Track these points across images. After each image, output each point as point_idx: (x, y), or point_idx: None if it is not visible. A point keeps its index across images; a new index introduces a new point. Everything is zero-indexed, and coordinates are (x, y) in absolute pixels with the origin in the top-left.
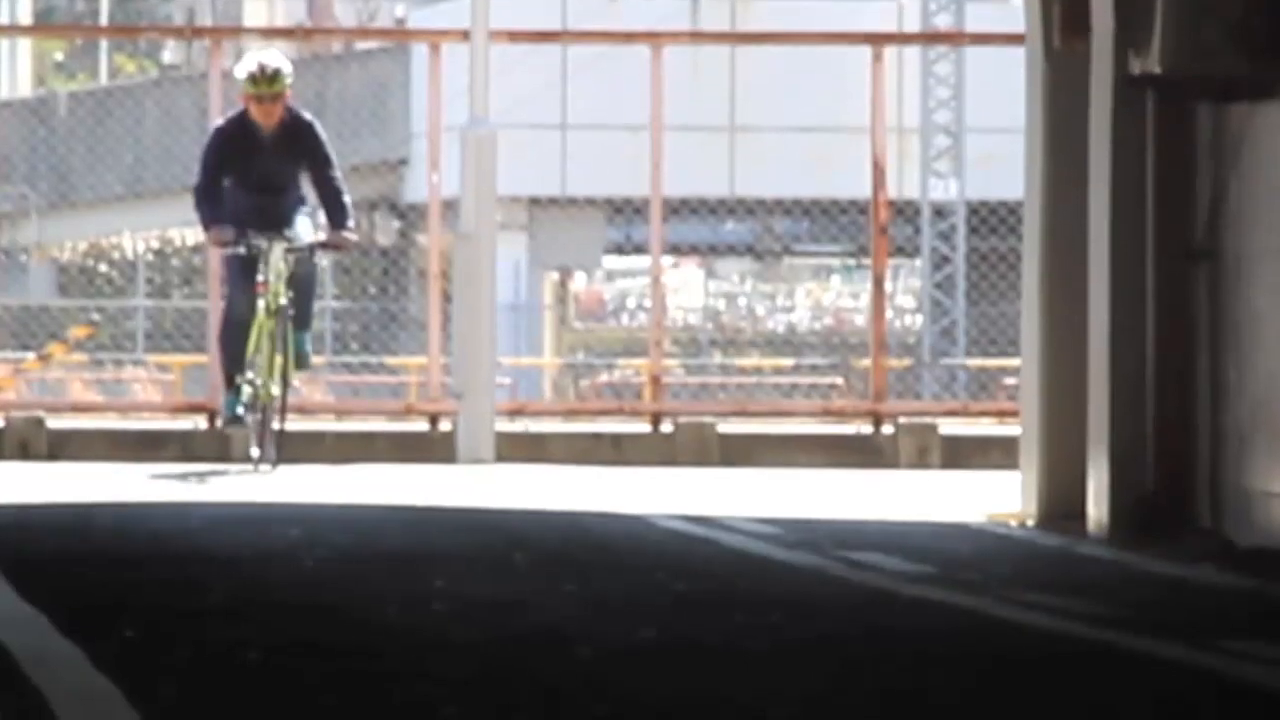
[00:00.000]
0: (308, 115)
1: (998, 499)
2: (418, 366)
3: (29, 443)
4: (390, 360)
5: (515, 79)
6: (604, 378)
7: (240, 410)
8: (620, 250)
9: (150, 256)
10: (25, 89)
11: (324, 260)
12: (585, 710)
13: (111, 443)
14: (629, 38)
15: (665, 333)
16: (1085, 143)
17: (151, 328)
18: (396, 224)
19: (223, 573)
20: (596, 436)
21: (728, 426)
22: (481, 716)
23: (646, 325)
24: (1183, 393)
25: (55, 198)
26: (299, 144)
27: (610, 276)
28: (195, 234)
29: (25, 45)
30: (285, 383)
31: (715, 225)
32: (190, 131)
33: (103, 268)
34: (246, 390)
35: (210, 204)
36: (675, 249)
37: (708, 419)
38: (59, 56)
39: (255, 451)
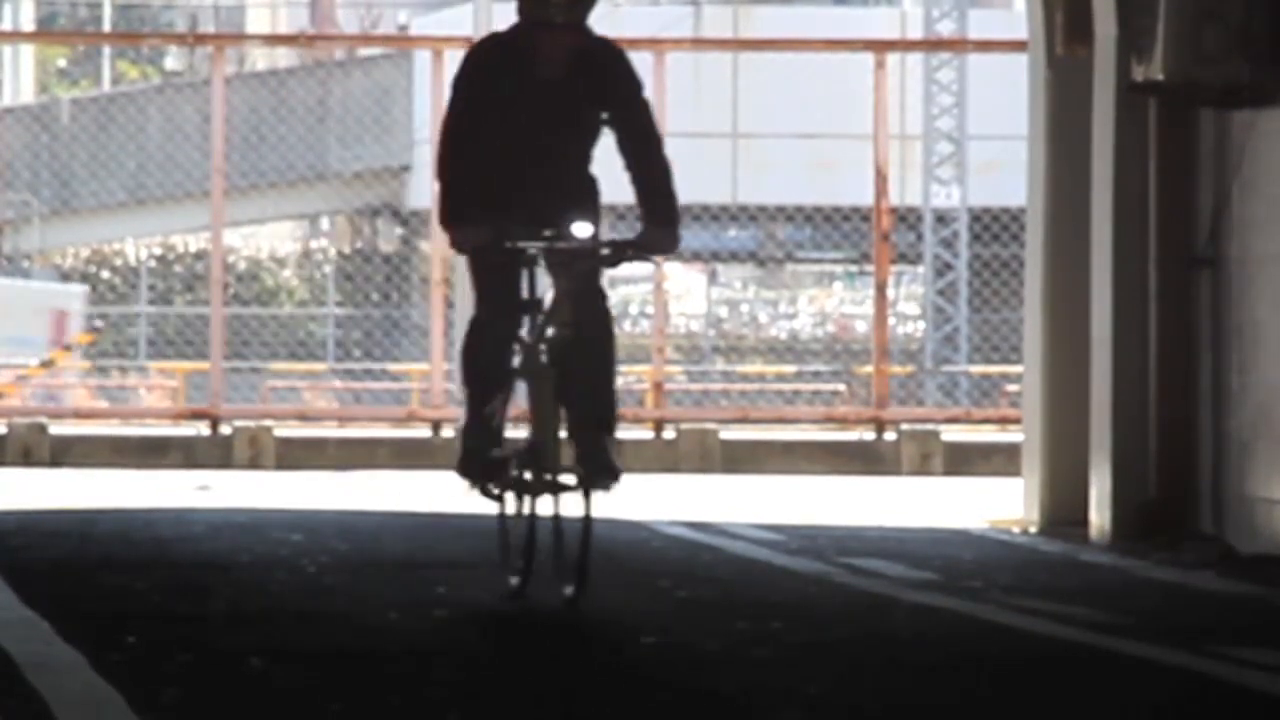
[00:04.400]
0: (612, 43)
1: (1000, 505)
2: (420, 373)
3: (31, 449)
4: (393, 367)
5: None
6: None
7: (492, 454)
8: None
9: (152, 263)
10: (28, 95)
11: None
12: (587, 715)
13: (114, 449)
14: (631, 44)
15: (668, 339)
16: (1088, 149)
17: (154, 334)
18: (399, 231)
19: (225, 578)
20: None
21: (730, 433)
22: None
23: (649, 332)
24: (1185, 400)
25: (58, 204)
26: (598, 88)
27: (612, 283)
28: (197, 240)
29: (28, 52)
30: (592, 478)
31: (718, 232)
32: (193, 138)
33: (105, 274)
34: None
35: (457, 179)
36: (678, 255)
37: (710, 425)
38: (61, 63)
39: (515, 579)
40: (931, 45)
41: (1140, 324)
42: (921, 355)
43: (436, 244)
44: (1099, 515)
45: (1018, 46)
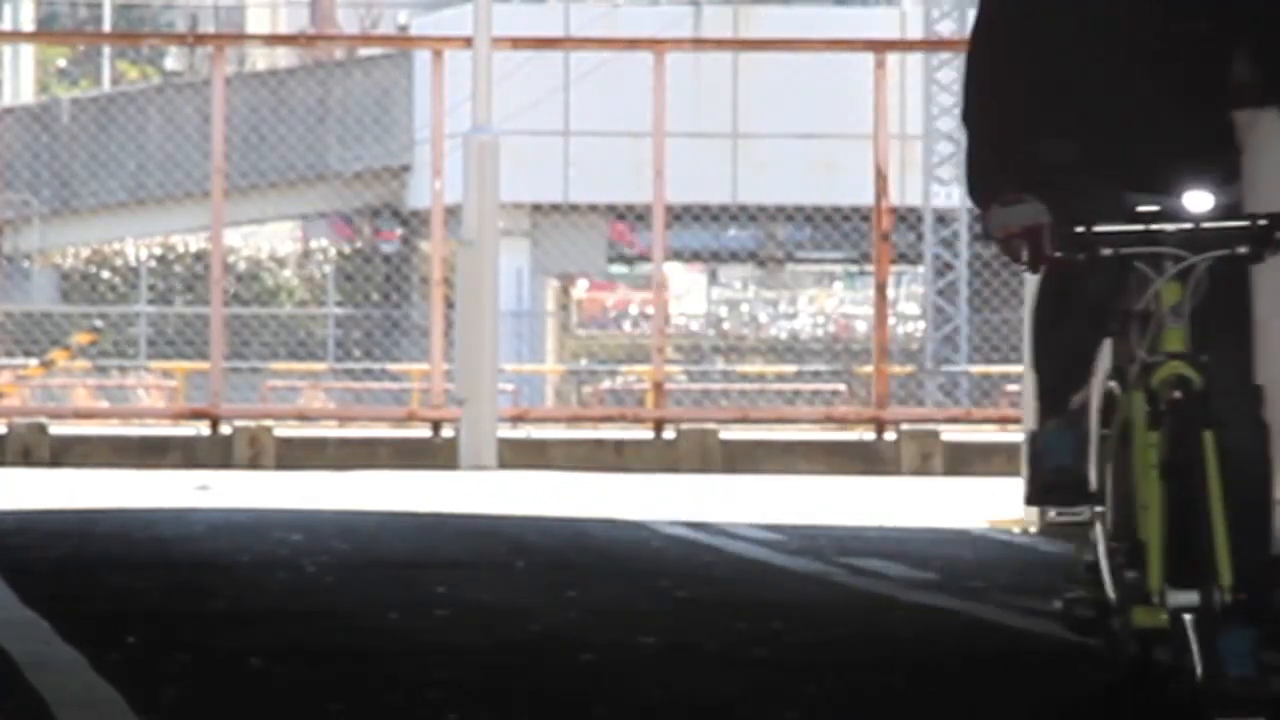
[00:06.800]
0: None
1: (1000, 505)
2: (420, 373)
3: (32, 449)
4: (392, 367)
5: (518, 86)
6: (606, 384)
7: (1068, 460)
8: (623, 257)
9: (153, 263)
10: (28, 95)
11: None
12: (586, 716)
13: (114, 449)
14: (631, 44)
15: (668, 339)
16: None
17: (154, 334)
18: (399, 230)
19: (225, 578)
20: (599, 443)
21: (730, 433)
22: None
23: (649, 332)
24: None
25: (58, 204)
26: None
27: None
28: (197, 240)
29: (28, 52)
30: (1224, 610)
31: (718, 232)
32: (193, 138)
33: (105, 274)
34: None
35: (991, 133)
36: (678, 255)
37: (710, 425)
38: (61, 63)
39: None
40: (931, 45)
41: None
42: (921, 355)
43: (436, 244)
44: None
45: None
